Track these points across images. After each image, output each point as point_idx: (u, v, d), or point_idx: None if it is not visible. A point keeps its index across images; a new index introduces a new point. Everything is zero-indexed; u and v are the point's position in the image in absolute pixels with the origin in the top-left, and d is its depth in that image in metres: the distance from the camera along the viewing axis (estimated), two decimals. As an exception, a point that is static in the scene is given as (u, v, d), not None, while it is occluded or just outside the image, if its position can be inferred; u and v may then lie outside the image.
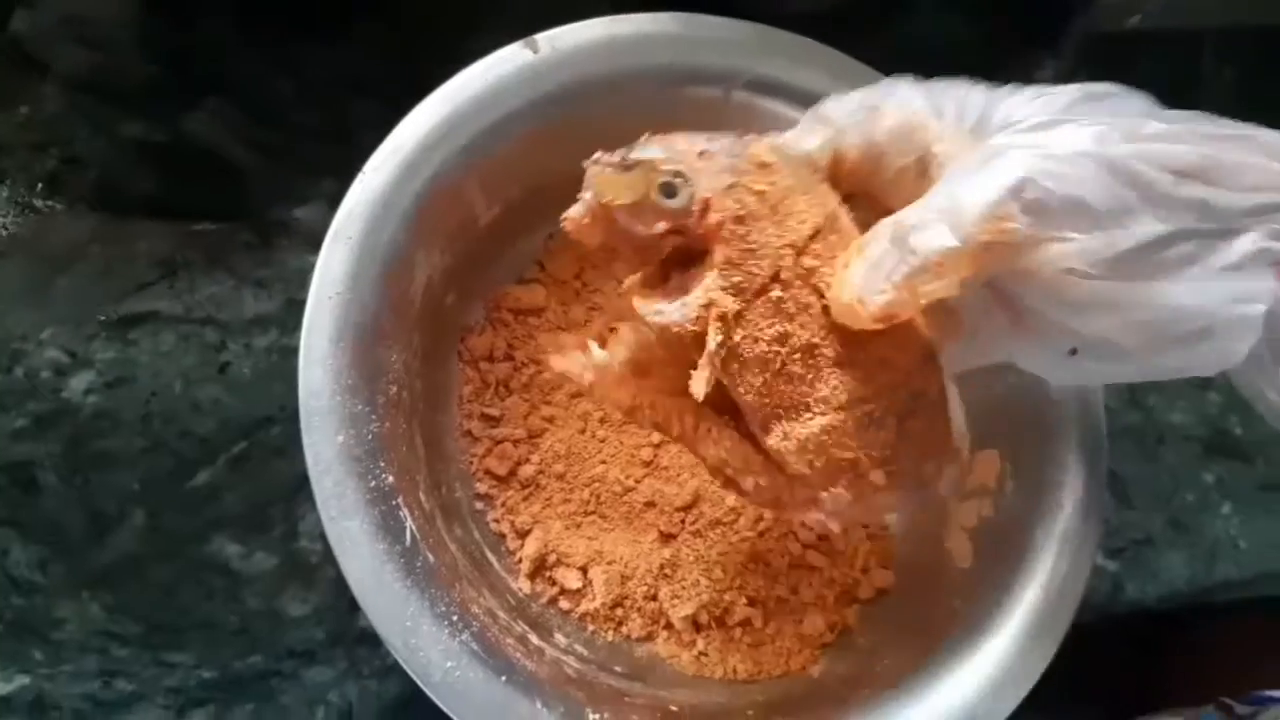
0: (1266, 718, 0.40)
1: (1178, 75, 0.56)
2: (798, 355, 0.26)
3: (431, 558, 0.32)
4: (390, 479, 0.33)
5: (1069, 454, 0.38)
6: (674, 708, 0.35)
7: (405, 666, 0.30)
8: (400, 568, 0.31)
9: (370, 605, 0.30)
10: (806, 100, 0.41)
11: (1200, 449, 0.49)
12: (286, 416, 0.40)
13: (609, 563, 0.39)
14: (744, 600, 0.39)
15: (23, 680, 0.35)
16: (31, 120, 0.41)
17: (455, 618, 0.31)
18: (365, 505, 0.32)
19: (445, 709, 0.30)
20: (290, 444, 0.39)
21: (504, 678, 0.31)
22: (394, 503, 0.32)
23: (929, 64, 0.43)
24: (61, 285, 0.40)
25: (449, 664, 0.31)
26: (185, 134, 0.42)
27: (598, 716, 0.32)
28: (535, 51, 0.38)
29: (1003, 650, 0.35)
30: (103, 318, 0.39)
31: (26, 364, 0.38)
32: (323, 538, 0.38)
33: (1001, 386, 0.40)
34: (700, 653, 0.39)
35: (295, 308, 0.41)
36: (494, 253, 0.41)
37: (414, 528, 0.32)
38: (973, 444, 0.40)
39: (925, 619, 0.38)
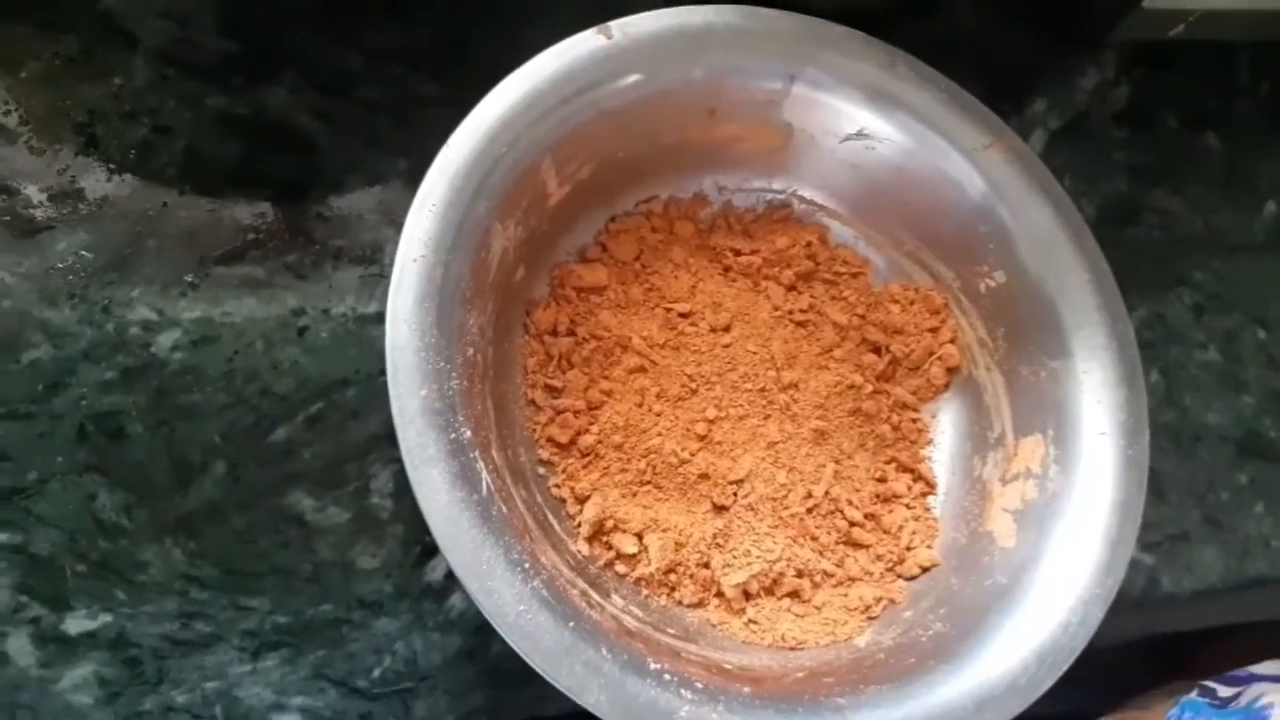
0: (1249, 695, 0.40)
1: (1217, 87, 0.57)
2: None
3: (505, 509, 0.34)
4: (468, 433, 0.34)
5: (1111, 442, 0.40)
6: (728, 666, 0.36)
7: (480, 607, 0.32)
8: (477, 515, 0.33)
9: (450, 549, 0.32)
10: (864, 94, 0.43)
11: (1234, 450, 0.51)
12: (361, 380, 0.41)
13: (664, 530, 0.40)
14: (793, 572, 0.41)
15: (106, 618, 0.37)
16: (124, 91, 0.44)
17: (527, 565, 0.33)
18: (446, 456, 0.33)
19: (517, 650, 0.32)
20: (364, 406, 0.41)
21: (571, 624, 0.33)
22: (471, 455, 0.34)
23: (969, 66, 0.45)
24: (151, 247, 0.42)
25: (521, 608, 0.32)
26: (264, 108, 0.44)
27: (659, 666, 0.33)
28: (609, 38, 0.40)
29: (1047, 625, 0.37)
30: (190, 279, 0.41)
31: (116, 320, 0.40)
32: (393, 496, 0.41)
33: (1045, 374, 0.41)
34: (750, 620, 0.40)
35: (369, 278, 0.43)
36: (560, 230, 0.43)
37: (489, 480, 0.34)
38: (1018, 430, 0.42)
39: (970, 595, 0.39)
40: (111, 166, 0.43)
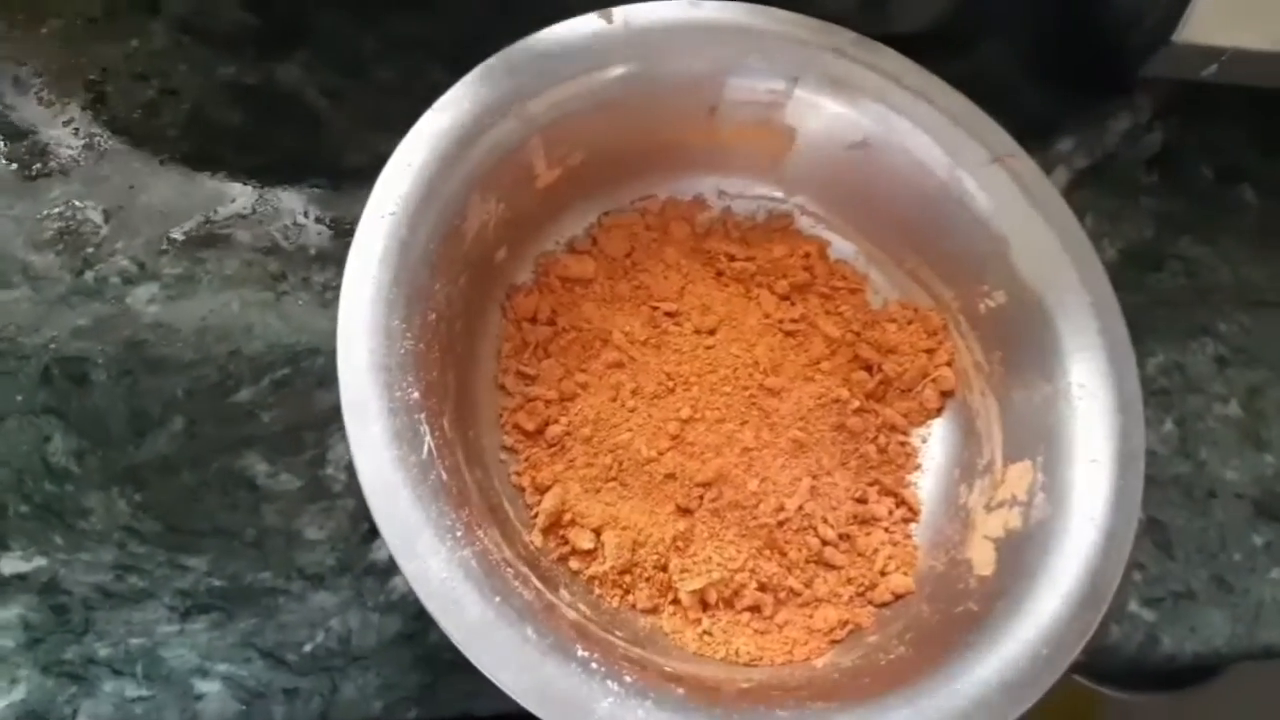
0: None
1: (1254, 139, 0.56)
2: None
3: (445, 477, 0.33)
4: (416, 395, 0.33)
5: (1104, 471, 0.37)
6: (668, 669, 0.34)
7: (402, 570, 0.30)
8: (413, 476, 0.32)
9: (377, 506, 0.31)
10: (868, 101, 0.42)
11: (1251, 509, 0.47)
12: (331, 351, 0.40)
13: (623, 528, 0.38)
14: (755, 585, 0.39)
15: (40, 562, 0.36)
16: (138, 53, 0.44)
17: (459, 534, 0.32)
18: (387, 413, 0.32)
19: (436, 619, 0.30)
20: (331, 377, 0.40)
21: (498, 599, 0.31)
22: (416, 417, 0.33)
23: (995, 105, 0.43)
24: (141, 203, 0.42)
25: (444, 575, 0.31)
26: (274, 80, 0.45)
27: (587, 654, 0.31)
28: (609, 22, 0.40)
29: (1016, 656, 0.34)
30: (175, 236, 0.41)
31: (98, 270, 0.40)
32: (348, 469, 0.39)
33: (1039, 399, 0.39)
34: (704, 631, 0.38)
35: (354, 251, 0.43)
36: (549, 217, 0.43)
37: (432, 445, 0.33)
38: (1007, 456, 0.40)
39: (939, 622, 0.37)
40: (115, 123, 0.43)
